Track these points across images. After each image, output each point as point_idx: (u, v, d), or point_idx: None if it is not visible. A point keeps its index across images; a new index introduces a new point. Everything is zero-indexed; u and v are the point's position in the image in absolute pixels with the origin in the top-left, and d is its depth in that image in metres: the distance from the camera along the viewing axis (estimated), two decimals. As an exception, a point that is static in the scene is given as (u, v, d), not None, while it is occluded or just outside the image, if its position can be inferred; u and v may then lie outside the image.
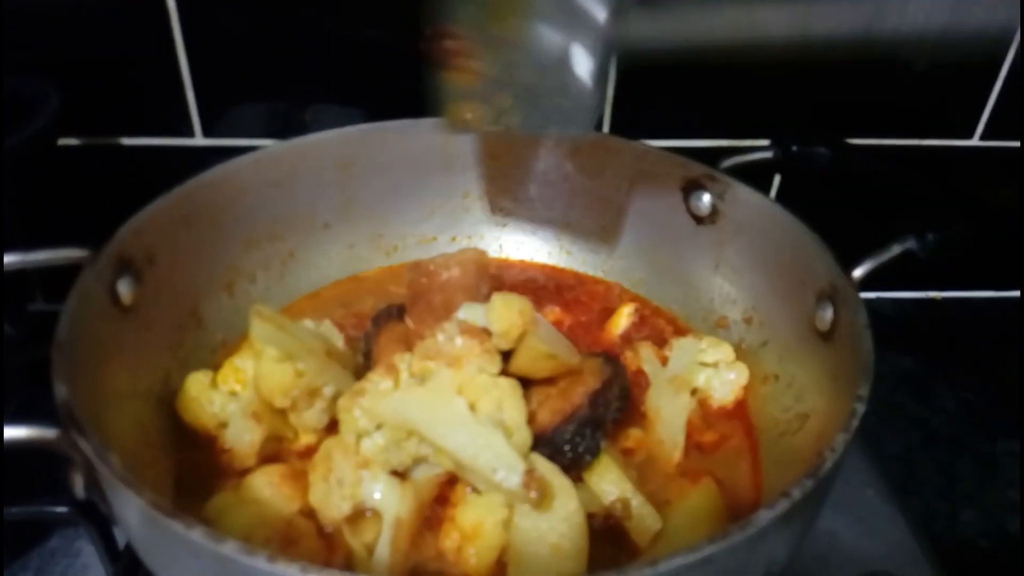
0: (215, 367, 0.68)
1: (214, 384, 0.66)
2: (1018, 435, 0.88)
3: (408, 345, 0.65)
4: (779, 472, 0.64)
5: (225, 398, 0.65)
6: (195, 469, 0.64)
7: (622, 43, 0.57)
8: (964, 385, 0.95)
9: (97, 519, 0.66)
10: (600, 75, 0.56)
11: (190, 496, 0.61)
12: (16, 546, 0.73)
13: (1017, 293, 1.10)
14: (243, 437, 0.62)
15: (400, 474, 0.59)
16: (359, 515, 0.57)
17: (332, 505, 0.57)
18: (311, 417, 0.63)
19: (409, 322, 0.70)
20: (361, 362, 0.69)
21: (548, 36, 0.55)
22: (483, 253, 0.72)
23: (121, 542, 0.68)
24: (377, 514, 0.57)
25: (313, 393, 0.62)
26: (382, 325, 0.70)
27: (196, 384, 0.65)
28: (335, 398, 0.61)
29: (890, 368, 0.57)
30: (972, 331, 1.05)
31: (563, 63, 0.55)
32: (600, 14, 0.54)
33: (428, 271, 0.70)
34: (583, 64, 0.55)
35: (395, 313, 0.72)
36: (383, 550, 0.56)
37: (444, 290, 0.69)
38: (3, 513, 0.65)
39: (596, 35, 0.54)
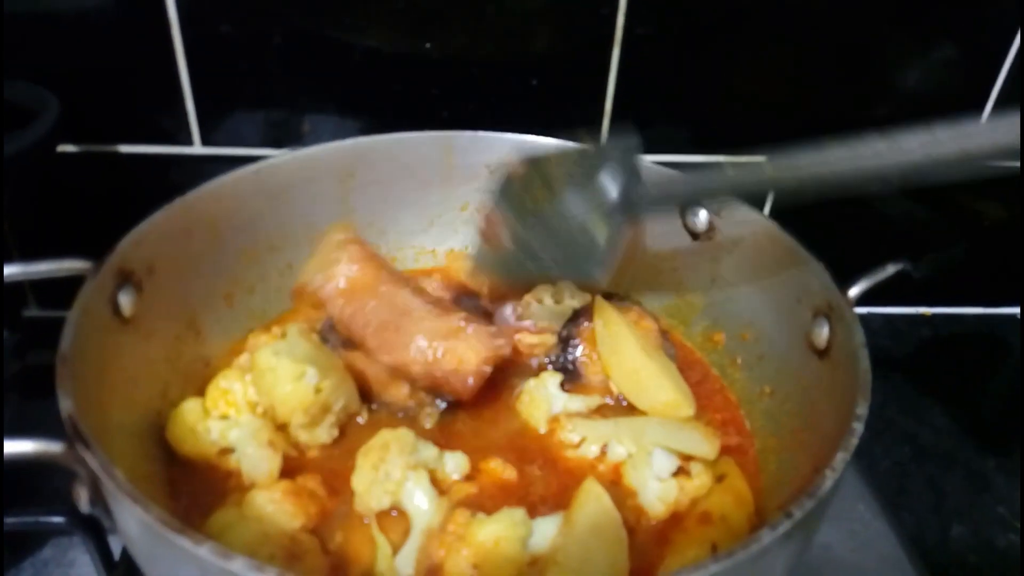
0: (210, 380, 0.68)
1: (205, 410, 0.66)
2: (1007, 451, 0.89)
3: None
4: (777, 486, 0.65)
5: (222, 424, 0.65)
6: (192, 482, 0.64)
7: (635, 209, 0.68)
8: (954, 401, 0.96)
9: (93, 529, 0.66)
10: (614, 240, 0.67)
11: (188, 509, 0.61)
12: (10, 556, 0.72)
13: (1009, 310, 1.11)
14: (261, 466, 0.62)
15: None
16: (387, 512, 0.60)
17: (373, 495, 0.60)
18: (321, 433, 0.63)
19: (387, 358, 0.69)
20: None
21: (573, 211, 0.67)
22: (345, 225, 0.76)
23: (116, 552, 0.68)
24: (404, 516, 0.60)
25: (325, 409, 0.63)
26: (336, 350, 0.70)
27: (191, 414, 0.65)
28: (341, 413, 0.62)
29: (881, 383, 0.58)
30: (962, 347, 1.07)
31: (584, 232, 0.67)
32: (613, 192, 0.66)
33: (327, 289, 0.70)
34: (600, 233, 0.66)
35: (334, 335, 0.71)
36: (409, 554, 0.58)
37: (381, 304, 0.69)
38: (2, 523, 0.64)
39: (610, 208, 0.66)
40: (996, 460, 0.88)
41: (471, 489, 0.64)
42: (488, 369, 0.67)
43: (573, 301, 0.79)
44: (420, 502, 0.60)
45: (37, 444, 0.48)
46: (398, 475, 0.60)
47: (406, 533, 0.59)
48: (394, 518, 0.61)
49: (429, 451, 0.63)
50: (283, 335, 0.65)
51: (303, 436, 0.64)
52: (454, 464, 0.64)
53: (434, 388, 0.68)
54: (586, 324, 0.73)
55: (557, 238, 0.68)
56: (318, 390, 0.62)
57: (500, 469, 0.66)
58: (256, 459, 0.62)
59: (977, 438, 0.91)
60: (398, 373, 0.68)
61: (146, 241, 0.67)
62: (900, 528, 0.79)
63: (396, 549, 0.59)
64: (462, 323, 0.68)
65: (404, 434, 0.62)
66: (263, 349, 0.63)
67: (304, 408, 0.62)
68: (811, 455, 0.61)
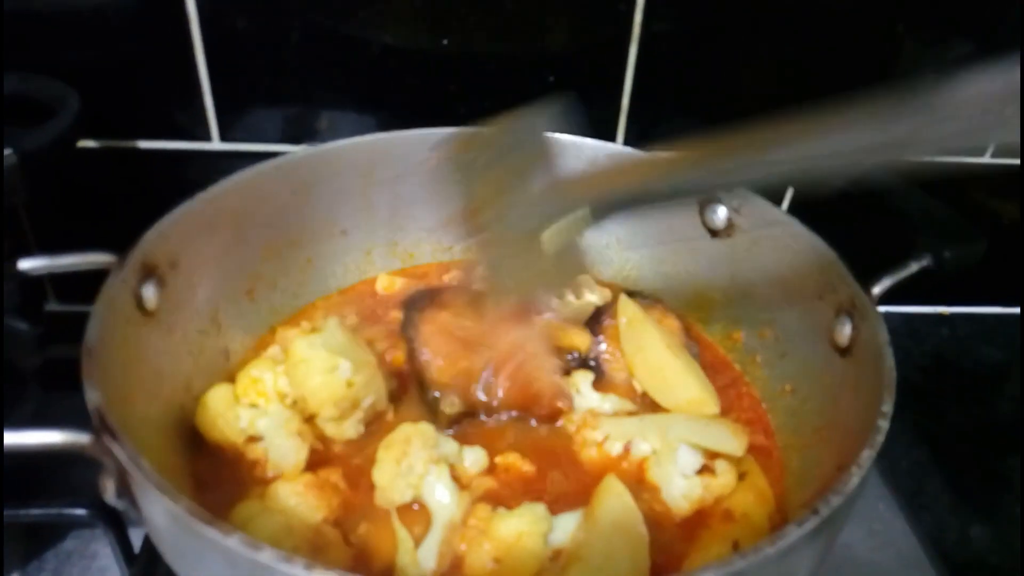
0: (232, 374, 0.69)
1: (235, 397, 0.66)
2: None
3: (451, 335, 0.66)
4: (799, 484, 0.65)
5: (250, 412, 0.65)
6: (215, 474, 0.64)
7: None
8: (973, 400, 0.96)
9: (114, 521, 0.66)
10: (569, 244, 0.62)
11: (212, 502, 0.61)
12: (32, 547, 0.73)
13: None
14: (288, 456, 0.63)
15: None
16: (408, 506, 0.61)
17: (395, 489, 0.60)
18: (348, 428, 0.63)
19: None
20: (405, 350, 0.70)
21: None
22: None
23: (137, 544, 0.68)
24: (425, 510, 0.60)
25: (354, 404, 0.63)
26: (421, 312, 0.71)
27: (219, 401, 0.65)
28: (369, 409, 0.62)
29: (900, 382, 0.58)
30: (981, 346, 1.06)
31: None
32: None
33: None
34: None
35: (427, 298, 0.72)
36: (431, 548, 0.58)
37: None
38: (4, 515, 0.65)
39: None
40: (1016, 460, 0.88)
41: (491, 484, 0.64)
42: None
43: (594, 297, 0.79)
44: (441, 496, 0.60)
45: (65, 435, 0.49)
46: (420, 469, 0.61)
47: (427, 526, 0.60)
48: (415, 512, 0.61)
49: (450, 446, 0.64)
50: (313, 329, 0.65)
51: (330, 429, 0.64)
52: (473, 459, 0.65)
53: (495, 389, 0.69)
54: (609, 321, 0.73)
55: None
56: (350, 384, 0.63)
57: (519, 463, 0.66)
58: (284, 449, 0.62)
59: (996, 438, 0.91)
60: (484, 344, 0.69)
61: (170, 235, 0.67)
62: (920, 528, 0.79)
63: (418, 542, 0.59)
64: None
65: (425, 428, 0.63)
66: (299, 339, 0.63)
67: (334, 401, 0.62)
68: (834, 453, 0.61)
